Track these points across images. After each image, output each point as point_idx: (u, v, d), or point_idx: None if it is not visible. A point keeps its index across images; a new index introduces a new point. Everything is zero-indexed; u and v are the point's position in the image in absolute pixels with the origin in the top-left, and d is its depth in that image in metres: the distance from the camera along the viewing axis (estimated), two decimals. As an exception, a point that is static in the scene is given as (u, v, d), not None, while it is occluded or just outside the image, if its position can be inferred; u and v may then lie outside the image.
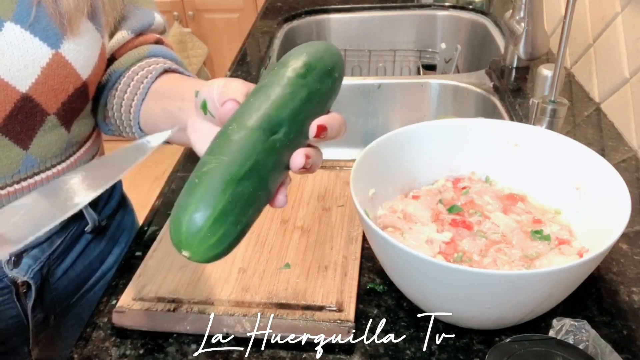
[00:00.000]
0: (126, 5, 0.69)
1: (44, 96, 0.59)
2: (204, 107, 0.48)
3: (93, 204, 0.75)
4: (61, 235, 0.71)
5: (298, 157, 0.42)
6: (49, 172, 0.65)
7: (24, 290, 0.69)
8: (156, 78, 0.65)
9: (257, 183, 0.37)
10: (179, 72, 0.68)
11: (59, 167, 0.66)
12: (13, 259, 0.66)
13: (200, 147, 0.52)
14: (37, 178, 0.64)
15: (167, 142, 0.63)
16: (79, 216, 0.73)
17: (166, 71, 0.67)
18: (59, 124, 0.63)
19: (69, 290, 0.76)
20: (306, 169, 0.43)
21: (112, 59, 0.70)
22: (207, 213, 0.34)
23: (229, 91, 0.46)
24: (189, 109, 0.55)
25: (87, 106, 0.68)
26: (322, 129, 0.43)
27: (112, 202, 0.82)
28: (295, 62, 0.43)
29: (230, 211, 0.35)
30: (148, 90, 0.65)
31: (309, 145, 0.44)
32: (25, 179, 0.63)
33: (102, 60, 0.66)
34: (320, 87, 0.44)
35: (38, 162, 0.63)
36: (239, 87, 0.46)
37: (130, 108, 0.66)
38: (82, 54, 0.61)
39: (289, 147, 0.40)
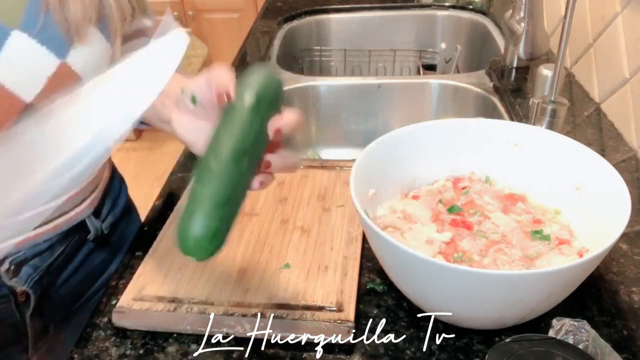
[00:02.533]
0: (137, 17, 0.67)
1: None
2: (194, 100, 0.53)
3: (96, 213, 0.74)
4: (62, 244, 0.70)
5: (255, 183, 0.51)
6: None
7: (23, 300, 0.67)
8: None
9: (235, 203, 0.49)
10: None
11: None
12: (12, 267, 0.65)
13: (187, 137, 0.56)
14: None
15: (147, 124, 0.68)
16: (80, 225, 0.72)
17: None
18: None
19: (69, 299, 0.75)
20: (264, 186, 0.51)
21: None
22: (205, 232, 0.46)
23: (219, 80, 0.49)
24: (170, 105, 0.57)
25: None
26: (277, 132, 0.50)
27: (117, 209, 0.80)
28: (248, 97, 0.50)
29: (220, 228, 0.47)
30: None
31: (273, 150, 0.52)
32: None
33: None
34: (270, 115, 0.51)
35: None
36: (226, 77, 0.50)
37: None
38: (89, 64, 0.60)
39: (252, 169, 0.51)
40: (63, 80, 0.57)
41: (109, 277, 0.76)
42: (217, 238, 0.47)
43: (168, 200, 0.82)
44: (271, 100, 0.52)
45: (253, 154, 0.50)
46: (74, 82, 0.58)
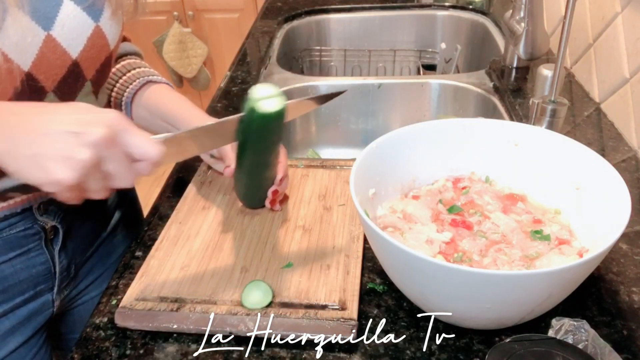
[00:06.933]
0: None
1: (86, 63, 0.68)
2: None
3: None
4: None
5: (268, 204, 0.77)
6: None
7: (52, 237, 0.76)
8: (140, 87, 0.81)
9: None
10: (158, 82, 0.84)
11: None
12: (42, 206, 0.73)
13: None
14: None
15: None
16: None
17: (149, 82, 0.82)
18: (91, 90, 0.71)
19: (86, 241, 0.84)
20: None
21: None
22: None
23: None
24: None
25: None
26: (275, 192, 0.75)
27: None
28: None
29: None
30: (133, 97, 0.82)
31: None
32: None
33: (120, 39, 0.75)
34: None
35: None
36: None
37: (121, 102, 0.82)
38: (113, 29, 0.70)
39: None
40: (97, 42, 0.68)
41: (112, 226, 0.90)
42: None
43: (168, 200, 0.82)
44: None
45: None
46: (103, 42, 0.69)
